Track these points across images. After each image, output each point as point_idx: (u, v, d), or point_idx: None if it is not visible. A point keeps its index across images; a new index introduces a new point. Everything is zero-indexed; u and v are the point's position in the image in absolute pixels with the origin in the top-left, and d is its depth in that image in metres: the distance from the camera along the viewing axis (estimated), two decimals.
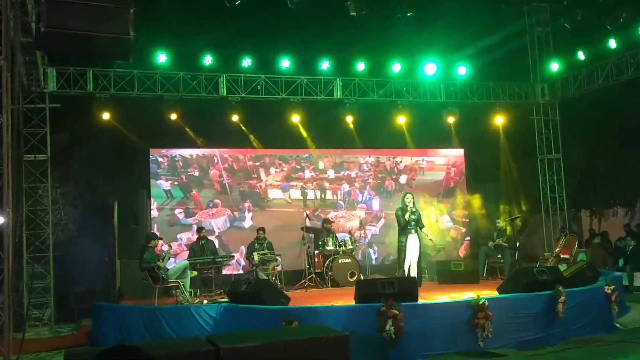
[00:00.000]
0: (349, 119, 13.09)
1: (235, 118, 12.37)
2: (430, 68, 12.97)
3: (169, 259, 10.10)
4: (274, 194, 13.49)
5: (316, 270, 12.05)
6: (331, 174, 13.98)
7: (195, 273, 10.55)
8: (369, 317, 6.89)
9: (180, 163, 12.81)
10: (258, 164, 13.48)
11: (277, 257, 11.73)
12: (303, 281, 11.70)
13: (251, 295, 7.81)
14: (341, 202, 13.96)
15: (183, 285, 9.82)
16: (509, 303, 7.43)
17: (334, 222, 13.08)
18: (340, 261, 11.77)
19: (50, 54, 8.70)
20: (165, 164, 12.72)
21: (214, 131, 12.86)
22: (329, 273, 11.73)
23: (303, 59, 12.44)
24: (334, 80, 12.70)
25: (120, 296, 10.81)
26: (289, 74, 12.35)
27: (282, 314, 6.98)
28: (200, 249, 11.64)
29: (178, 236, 12.59)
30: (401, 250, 10.40)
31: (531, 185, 14.23)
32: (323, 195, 13.82)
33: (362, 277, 11.64)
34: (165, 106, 11.82)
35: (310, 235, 12.57)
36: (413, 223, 10.31)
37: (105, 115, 11.44)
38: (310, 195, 13.75)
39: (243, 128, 12.80)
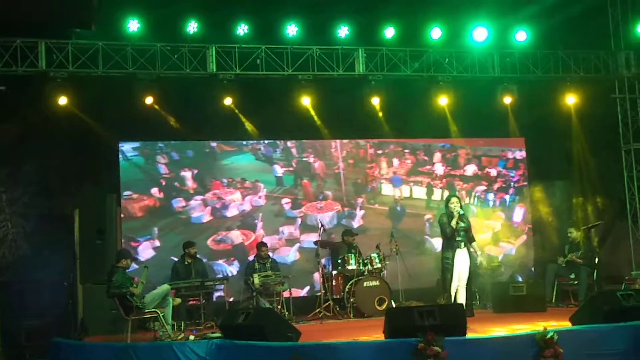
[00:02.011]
0: (375, 101, 13.07)
1: (228, 101, 12.40)
2: (480, 33, 12.92)
3: (144, 283, 10.14)
4: (387, 189, 14.25)
5: (334, 296, 12.06)
6: (469, 170, 14.63)
7: (178, 301, 10.60)
8: (403, 355, 6.89)
9: (295, 150, 13.84)
10: (380, 152, 14.26)
11: (284, 280, 11.76)
12: (318, 310, 11.71)
13: (250, 329, 7.82)
14: (473, 208, 14.35)
15: (163, 316, 9.85)
16: (586, 337, 7.37)
17: (357, 234, 13.07)
18: (365, 284, 11.77)
19: None
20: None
21: (201, 118, 12.91)
22: (351, 299, 11.73)
23: (315, 23, 12.44)
24: (355, 50, 12.68)
25: (83, 331, 10.87)
26: (297, 43, 12.36)
27: (290, 352, 6.99)
28: (186, 270, 11.73)
29: (280, 229, 13.43)
30: (446, 269, 10.41)
31: (614, 184, 14.11)
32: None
33: (393, 305, 11.63)
34: (138, 87, 11.87)
35: (326, 251, 12.61)
36: (462, 233, 10.31)
37: (62, 100, 11.50)
38: (437, 194, 14.24)
39: (238, 113, 12.84)
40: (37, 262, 11.75)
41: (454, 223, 10.30)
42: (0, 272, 10.64)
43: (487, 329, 8.98)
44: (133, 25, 11.61)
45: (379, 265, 12.14)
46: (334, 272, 12.39)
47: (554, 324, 8.47)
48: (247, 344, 7.55)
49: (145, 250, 12.61)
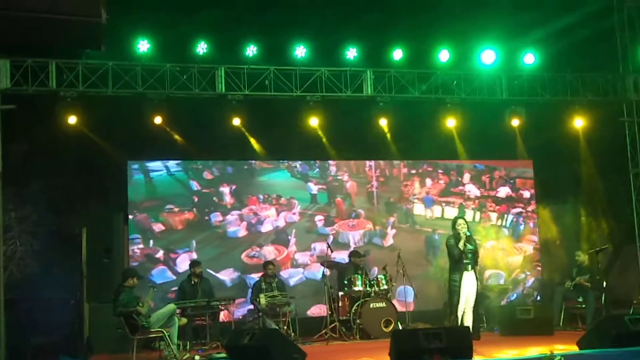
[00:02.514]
0: (383, 122, 13.10)
1: (236, 121, 12.44)
2: (488, 56, 12.94)
3: (151, 302, 10.15)
4: (419, 209, 14.47)
5: (341, 318, 12.03)
6: (502, 192, 14.83)
7: (185, 320, 10.62)
8: None
9: (330, 168, 14.19)
10: (414, 172, 14.56)
11: (290, 301, 11.75)
12: (324, 331, 11.69)
13: (256, 350, 7.83)
14: (505, 230, 14.61)
15: (169, 335, 9.88)
16: None
17: (364, 256, 13.08)
18: (371, 305, 11.77)
19: (2, 41, 8.85)
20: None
21: (210, 138, 12.96)
22: (358, 321, 11.71)
23: (323, 45, 12.50)
24: (363, 72, 12.68)
25: (89, 349, 10.89)
26: (306, 64, 12.38)
27: None
28: (193, 289, 11.72)
29: (312, 245, 13.66)
30: (454, 292, 10.36)
31: (622, 207, 14.04)
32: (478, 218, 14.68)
33: (399, 327, 11.60)
34: (147, 107, 11.89)
35: (333, 272, 12.60)
36: (470, 255, 10.30)
37: (72, 119, 11.55)
38: (469, 215, 14.39)
39: (246, 134, 12.89)
40: (45, 280, 11.78)
41: (461, 245, 10.29)
42: (9, 290, 10.63)
43: (493, 353, 8.94)
44: (143, 45, 11.68)
45: (385, 287, 12.12)
46: (341, 294, 12.36)
47: (561, 348, 8.43)
48: None
49: (183, 262, 12.85)
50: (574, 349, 8.19)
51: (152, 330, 9.86)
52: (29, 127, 11.80)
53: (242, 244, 13.39)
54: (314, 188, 14.02)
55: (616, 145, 13.94)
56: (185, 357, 9.83)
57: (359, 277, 12.10)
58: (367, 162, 14.31)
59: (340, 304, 12.26)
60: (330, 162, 14.12)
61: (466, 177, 14.78)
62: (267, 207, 13.65)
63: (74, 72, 11.39)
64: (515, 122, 13.54)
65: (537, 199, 14.80)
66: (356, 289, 12.00)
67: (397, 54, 12.73)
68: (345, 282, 12.24)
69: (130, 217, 12.83)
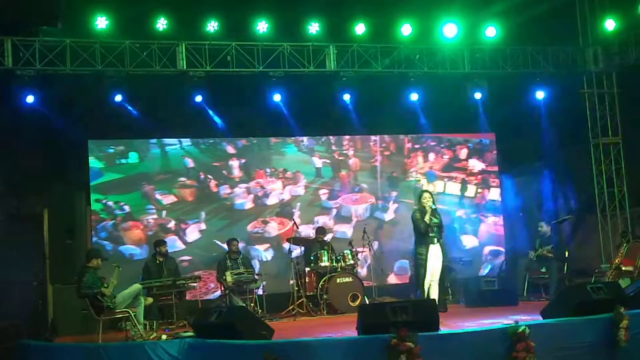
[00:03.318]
0: (346, 97, 13.09)
1: (198, 98, 12.34)
2: (450, 30, 12.92)
3: (115, 283, 10.06)
4: (422, 184, 14.66)
5: (307, 293, 12.07)
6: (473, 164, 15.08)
7: (150, 300, 10.55)
8: (376, 352, 6.83)
9: (335, 143, 14.45)
10: (418, 146, 14.77)
11: (257, 277, 11.75)
12: (291, 307, 11.72)
13: (223, 327, 7.76)
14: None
15: (135, 316, 9.79)
16: (557, 330, 7.39)
17: (327, 232, 13.17)
18: (338, 280, 11.82)
19: None
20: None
21: (172, 116, 12.84)
22: (324, 296, 11.76)
23: (285, 20, 12.40)
24: (326, 47, 12.65)
25: (54, 331, 10.78)
26: (268, 40, 12.30)
27: (263, 350, 6.94)
28: (158, 268, 11.67)
29: (315, 219, 13.95)
30: (420, 265, 10.48)
31: (583, 178, 14.25)
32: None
33: (366, 301, 11.67)
34: (107, 85, 11.75)
35: (300, 248, 12.61)
36: (436, 229, 10.37)
37: (30, 98, 11.40)
38: (471, 191, 14.79)
39: (209, 110, 12.79)
40: (6, 262, 11.59)
41: (427, 219, 10.36)
42: None
43: (459, 324, 9.04)
44: (101, 22, 11.45)
45: (351, 262, 12.17)
46: (307, 269, 12.40)
47: (525, 318, 8.52)
48: (220, 343, 7.48)
49: (192, 233, 13.26)
50: (538, 318, 8.28)
51: (117, 310, 9.78)
52: None
53: (249, 216, 13.71)
54: (318, 162, 14.30)
55: (577, 117, 14.10)
56: (152, 337, 9.75)
57: (325, 252, 12.15)
58: (372, 137, 14.55)
59: (307, 280, 12.30)
60: (334, 137, 14.41)
61: (463, 152, 15.06)
62: (273, 180, 13.97)
63: (31, 50, 11.16)
64: (477, 95, 13.63)
65: (499, 171, 14.92)
66: (322, 264, 12.04)
67: (360, 29, 12.66)
68: (312, 258, 12.28)
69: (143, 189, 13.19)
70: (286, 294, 12.38)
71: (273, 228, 13.64)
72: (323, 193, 14.17)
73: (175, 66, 11.94)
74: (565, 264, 12.16)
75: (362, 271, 13.44)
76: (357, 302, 11.61)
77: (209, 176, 13.60)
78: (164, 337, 9.43)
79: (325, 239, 12.87)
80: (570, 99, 14.07)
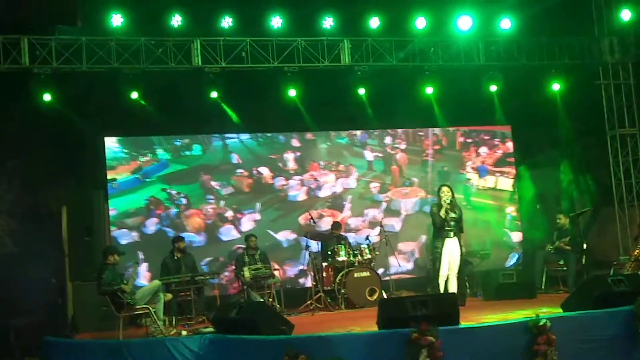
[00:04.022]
0: (361, 91, 13.08)
1: (214, 94, 12.36)
2: (464, 22, 12.87)
3: (135, 279, 10.14)
4: (474, 179, 14.85)
5: (325, 288, 12.10)
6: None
7: (170, 296, 10.62)
8: (397, 346, 6.87)
9: (390, 137, 14.66)
10: (470, 140, 14.89)
11: (275, 273, 11.79)
12: (309, 302, 11.77)
13: (243, 323, 7.81)
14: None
15: (155, 312, 9.86)
16: (577, 323, 7.40)
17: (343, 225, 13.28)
18: (356, 275, 11.85)
19: None
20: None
21: (187, 111, 12.87)
22: (342, 291, 11.79)
23: (299, 15, 12.36)
24: (341, 41, 12.62)
25: (74, 328, 10.87)
26: (282, 35, 12.27)
27: (284, 345, 6.97)
28: (176, 264, 11.72)
29: (365, 211, 14.20)
30: (436, 258, 10.49)
31: (600, 170, 14.19)
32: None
33: (384, 295, 11.70)
34: (123, 82, 11.78)
35: (317, 243, 12.64)
36: (453, 223, 10.40)
37: (47, 96, 11.40)
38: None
39: (224, 106, 12.81)
40: (25, 260, 11.67)
41: (442, 213, 10.36)
42: None
43: (479, 318, 9.05)
44: (116, 19, 11.46)
45: (369, 256, 12.20)
46: (324, 264, 12.44)
47: (544, 311, 8.54)
48: (241, 339, 7.53)
49: (247, 222, 13.63)
50: (557, 311, 8.28)
51: (137, 307, 9.84)
52: (3, 105, 11.62)
53: (301, 207, 13.94)
54: (370, 155, 14.50)
55: (593, 108, 14.03)
56: (171, 333, 9.83)
57: (342, 247, 12.18)
58: (424, 130, 14.77)
59: (324, 275, 12.34)
60: (389, 130, 14.59)
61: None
62: (326, 173, 14.26)
63: (47, 49, 11.20)
64: (493, 88, 13.57)
65: (516, 164, 14.89)
66: (340, 259, 12.07)
67: (374, 22, 12.61)
68: (329, 252, 12.31)
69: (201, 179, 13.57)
70: (304, 288, 12.42)
71: (326, 222, 13.80)
72: (374, 186, 14.40)
73: (190, 62, 11.96)
74: (584, 256, 12.11)
75: (409, 265, 13.87)
76: (375, 297, 11.65)
77: (265, 168, 13.95)
78: (183, 332, 9.51)
79: (341, 233, 12.88)
80: (587, 90, 13.99)
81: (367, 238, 12.70)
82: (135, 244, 12.84)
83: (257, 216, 13.64)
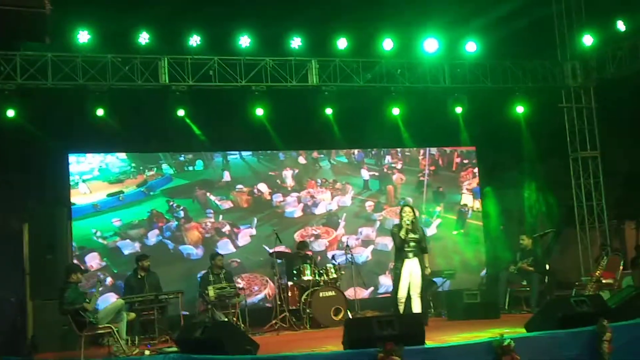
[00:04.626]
0: (329, 111, 13.15)
1: (180, 112, 12.31)
2: (430, 45, 13.07)
3: (97, 298, 9.99)
4: (468, 200, 15.07)
5: (290, 307, 12.03)
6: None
7: (133, 315, 10.46)
8: None
9: (385, 156, 14.90)
10: (467, 161, 15.13)
11: (240, 292, 11.71)
12: (274, 322, 11.67)
13: (208, 343, 7.72)
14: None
15: (117, 331, 9.71)
16: (542, 343, 7.44)
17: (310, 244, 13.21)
18: (321, 294, 11.79)
19: None
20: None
21: (154, 130, 12.80)
22: (308, 310, 11.73)
23: (268, 34, 12.45)
24: (308, 62, 12.73)
25: (34, 348, 10.65)
26: (250, 54, 12.34)
27: None
28: (139, 283, 11.58)
29: (359, 230, 14.32)
30: (396, 279, 10.41)
31: (562, 191, 14.40)
32: None
33: (349, 315, 11.67)
34: (89, 99, 11.71)
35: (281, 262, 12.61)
36: (413, 244, 10.35)
37: (10, 112, 11.29)
38: None
39: (192, 125, 12.75)
40: None
41: (402, 233, 10.36)
42: None
43: (444, 338, 9.06)
44: (83, 36, 11.44)
45: (334, 276, 12.17)
46: (290, 283, 12.36)
47: (507, 331, 8.56)
48: (205, 358, 7.45)
49: (243, 237, 13.72)
50: (520, 330, 8.31)
51: (100, 326, 9.69)
52: None
53: (297, 224, 14.12)
54: (366, 174, 14.68)
55: (556, 131, 14.27)
56: (134, 352, 9.69)
57: (308, 266, 12.12)
58: (421, 151, 14.98)
59: (289, 294, 12.27)
60: (385, 149, 14.84)
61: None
62: (323, 190, 14.41)
63: (12, 64, 11.14)
64: (458, 110, 13.75)
65: (480, 184, 15.04)
66: (305, 278, 12.01)
67: (342, 43, 12.75)
68: (294, 271, 12.25)
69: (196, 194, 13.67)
70: (268, 308, 12.35)
71: (320, 245, 13.98)
72: (369, 205, 14.53)
73: (157, 80, 11.94)
74: (546, 276, 12.23)
75: None
76: (340, 316, 11.61)
77: (264, 184, 14.07)
78: (147, 352, 9.38)
79: (307, 252, 12.86)
80: (550, 113, 14.25)
81: (332, 257, 12.69)
82: (137, 255, 12.65)
83: (253, 231, 13.70)
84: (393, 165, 14.82)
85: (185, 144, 13.33)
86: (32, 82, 11.26)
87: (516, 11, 12.56)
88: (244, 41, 12.23)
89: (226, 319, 11.11)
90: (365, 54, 13.01)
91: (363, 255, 13.98)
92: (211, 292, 11.41)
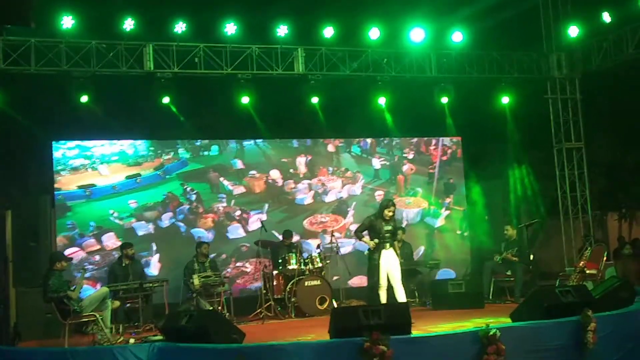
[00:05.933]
0: (315, 100, 13.11)
1: (165, 100, 12.24)
2: (417, 34, 13.06)
3: (82, 286, 9.93)
4: None
5: (275, 296, 12.03)
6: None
7: (117, 303, 10.40)
8: (349, 355, 6.84)
9: (397, 145, 14.92)
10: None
11: (225, 281, 11.69)
12: (259, 310, 11.67)
13: (194, 331, 7.69)
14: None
15: (102, 319, 9.65)
16: (527, 333, 7.48)
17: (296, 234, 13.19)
18: (306, 284, 11.80)
19: None
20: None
21: (139, 117, 12.71)
22: (293, 299, 11.73)
23: (254, 22, 12.39)
24: (294, 50, 12.68)
25: (17, 336, 10.56)
26: (236, 42, 12.28)
27: (235, 354, 6.91)
28: (123, 271, 11.53)
29: None
30: (374, 269, 10.33)
31: (547, 182, 14.48)
32: None
33: (334, 304, 11.68)
34: (73, 85, 11.60)
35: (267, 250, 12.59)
36: (388, 235, 10.31)
37: None
38: None
39: (176, 112, 12.67)
40: None
41: (383, 224, 10.33)
42: None
43: (429, 327, 9.10)
44: (67, 21, 11.31)
45: (320, 265, 12.17)
46: (275, 272, 12.35)
47: (491, 320, 8.61)
48: (191, 347, 7.41)
49: (253, 223, 13.71)
50: (504, 320, 8.36)
51: (84, 314, 9.63)
52: None
53: (306, 210, 14.25)
54: (377, 163, 14.74)
55: (541, 122, 14.33)
56: (118, 341, 9.63)
57: (294, 255, 12.11)
58: (433, 140, 15.04)
59: (274, 283, 12.26)
60: (397, 139, 14.84)
61: None
62: (334, 178, 14.50)
63: None
64: (444, 100, 13.76)
65: (465, 175, 15.07)
66: (290, 267, 12.01)
67: (328, 32, 12.70)
68: (280, 260, 12.24)
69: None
70: (253, 297, 12.34)
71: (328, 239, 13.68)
72: (378, 194, 14.48)
73: (142, 67, 11.86)
74: (530, 267, 12.30)
75: None
76: (325, 305, 11.63)
77: (276, 171, 14.15)
78: (131, 340, 9.31)
79: (292, 241, 12.84)
80: (535, 104, 14.31)
81: (318, 247, 12.68)
82: (150, 236, 13.16)
83: (264, 217, 13.70)
84: (405, 155, 14.89)
85: (171, 131, 13.24)
86: (15, 67, 11.14)
87: (502, 2, 12.57)
88: (230, 28, 12.14)
89: (211, 308, 11.08)
90: (352, 43, 12.98)
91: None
92: (196, 280, 11.37)
